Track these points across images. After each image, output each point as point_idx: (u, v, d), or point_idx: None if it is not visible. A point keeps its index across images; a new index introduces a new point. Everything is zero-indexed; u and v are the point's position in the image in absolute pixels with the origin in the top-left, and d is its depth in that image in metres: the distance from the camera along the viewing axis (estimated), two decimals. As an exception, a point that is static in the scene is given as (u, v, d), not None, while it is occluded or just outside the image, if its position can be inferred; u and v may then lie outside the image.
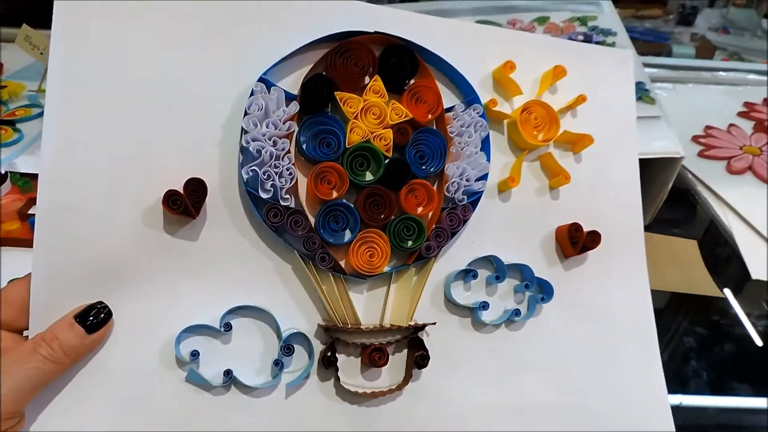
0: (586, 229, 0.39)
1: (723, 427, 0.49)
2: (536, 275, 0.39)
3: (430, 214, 0.37)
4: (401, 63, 0.37)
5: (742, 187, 0.65)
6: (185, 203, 0.33)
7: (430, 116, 0.38)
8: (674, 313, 0.56)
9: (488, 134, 0.38)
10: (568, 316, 0.39)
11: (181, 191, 0.33)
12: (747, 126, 0.76)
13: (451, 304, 0.38)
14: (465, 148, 0.37)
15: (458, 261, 0.38)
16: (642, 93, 0.62)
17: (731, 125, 0.76)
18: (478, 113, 0.38)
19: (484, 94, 0.39)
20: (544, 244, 0.40)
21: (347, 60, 0.37)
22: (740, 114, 0.78)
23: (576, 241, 0.39)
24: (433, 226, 0.37)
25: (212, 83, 0.35)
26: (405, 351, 0.37)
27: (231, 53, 0.35)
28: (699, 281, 0.54)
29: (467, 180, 0.37)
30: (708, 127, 0.75)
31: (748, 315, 0.55)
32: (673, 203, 0.71)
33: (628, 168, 0.42)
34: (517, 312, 0.38)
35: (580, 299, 0.40)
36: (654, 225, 0.64)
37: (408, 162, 0.37)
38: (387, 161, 0.37)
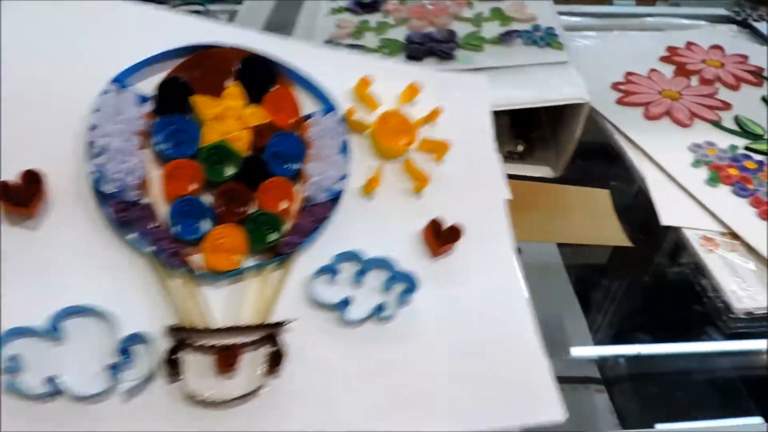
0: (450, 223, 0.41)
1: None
2: (402, 269, 0.38)
3: (289, 210, 0.38)
4: (260, 73, 0.41)
5: (659, 133, 0.63)
6: (19, 195, 0.32)
7: (289, 121, 0.41)
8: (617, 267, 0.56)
9: (346, 139, 0.42)
10: (438, 306, 0.38)
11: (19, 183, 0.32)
12: (668, 70, 0.74)
13: (314, 302, 0.36)
14: (324, 150, 0.41)
15: (322, 258, 0.38)
16: (550, 39, 0.59)
17: (652, 70, 0.73)
18: (335, 120, 0.42)
19: (346, 106, 0.44)
20: (411, 240, 0.41)
21: (206, 67, 0.40)
22: (662, 59, 0.76)
23: (438, 236, 0.40)
24: (292, 222, 0.38)
25: (68, 82, 0.36)
26: (261, 352, 0.34)
27: (89, 54, 0.38)
28: (608, 231, 0.52)
29: (327, 180, 0.40)
30: (629, 74, 0.72)
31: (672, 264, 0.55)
32: (591, 154, 0.69)
33: (489, 167, 0.47)
34: (382, 306, 0.36)
35: (449, 289, 0.39)
36: (571, 177, 0.62)
37: (266, 160, 0.39)
38: (244, 159, 0.38)
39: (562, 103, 0.52)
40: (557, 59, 0.57)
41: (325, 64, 0.46)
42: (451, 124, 0.48)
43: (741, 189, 0.55)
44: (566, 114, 0.56)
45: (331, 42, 0.63)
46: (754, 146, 0.60)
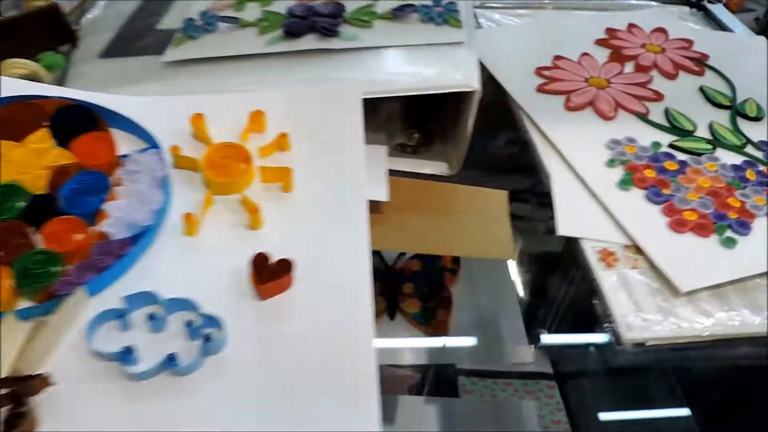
0: (287, 256, 0.36)
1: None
2: (209, 311, 0.33)
3: (78, 248, 0.36)
4: (75, 120, 0.42)
5: (577, 126, 0.56)
6: None
7: (99, 161, 0.40)
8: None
9: (166, 175, 0.40)
10: (260, 349, 0.33)
11: None
12: (603, 55, 0.66)
13: (95, 351, 0.31)
14: (136, 187, 0.39)
15: (114, 300, 0.33)
16: (450, 15, 0.51)
17: (584, 55, 0.65)
18: (155, 158, 0.41)
19: (176, 142, 0.42)
20: (236, 277, 0.36)
21: (16, 116, 0.42)
22: (598, 41, 0.68)
23: (262, 272, 0.35)
24: (78, 261, 0.35)
25: None
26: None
27: None
28: (493, 242, 0.45)
29: (133, 216, 0.38)
30: (557, 58, 0.65)
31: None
32: (502, 148, 0.62)
33: (353, 186, 0.42)
34: (174, 357, 0.31)
35: (277, 327, 0.34)
36: (474, 173, 0.54)
37: (58, 198, 0.38)
38: (32, 197, 0.38)
39: (445, 90, 0.45)
40: (452, 39, 0.49)
41: (160, 108, 0.45)
42: (311, 143, 0.44)
43: (655, 194, 0.48)
44: (461, 103, 0.48)
45: (206, 13, 0.55)
46: (678, 143, 0.53)
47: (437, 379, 0.85)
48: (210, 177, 0.40)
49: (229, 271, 0.36)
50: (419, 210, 0.48)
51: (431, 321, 0.55)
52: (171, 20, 0.57)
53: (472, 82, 0.45)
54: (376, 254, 0.56)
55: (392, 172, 0.50)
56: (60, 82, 0.52)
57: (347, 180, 0.42)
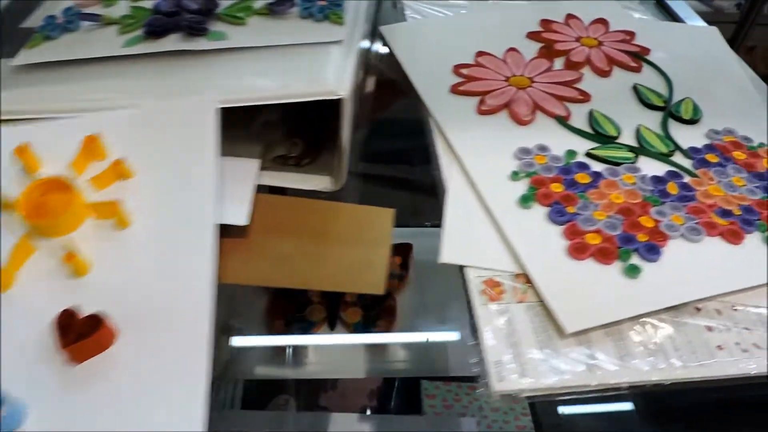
0: (114, 310, 0.32)
1: None
2: (17, 382, 0.30)
3: None
4: None
5: (488, 131, 0.50)
6: None
7: None
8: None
9: None
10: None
11: None
12: (532, 50, 0.60)
13: None
14: None
15: None
16: (332, 10, 0.45)
17: (510, 50, 0.59)
18: None
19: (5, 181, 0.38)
20: (46, 340, 0.32)
21: None
22: (530, 35, 0.62)
23: (67, 331, 0.31)
24: None
25: None
26: None
27: None
28: (367, 272, 0.40)
29: None
30: (480, 54, 0.59)
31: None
32: (405, 159, 0.56)
33: (202, 218, 0.36)
34: None
35: (89, 396, 0.30)
36: (369, 187, 0.49)
37: None
38: None
39: (308, 99, 0.39)
40: (328, 38, 0.43)
41: None
42: (157, 167, 0.39)
43: (557, 213, 0.42)
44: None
45: (69, 10, 0.49)
46: (596, 152, 0.47)
47: (401, 386, 0.81)
48: (27, 219, 0.35)
49: (40, 332, 0.32)
50: (290, 234, 0.42)
51: (372, 331, 0.51)
52: (37, 19, 0.52)
53: (340, 89, 0.39)
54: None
55: (271, 189, 0.45)
56: None
57: (194, 206, 0.37)
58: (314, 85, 0.40)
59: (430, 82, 0.55)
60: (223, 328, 0.50)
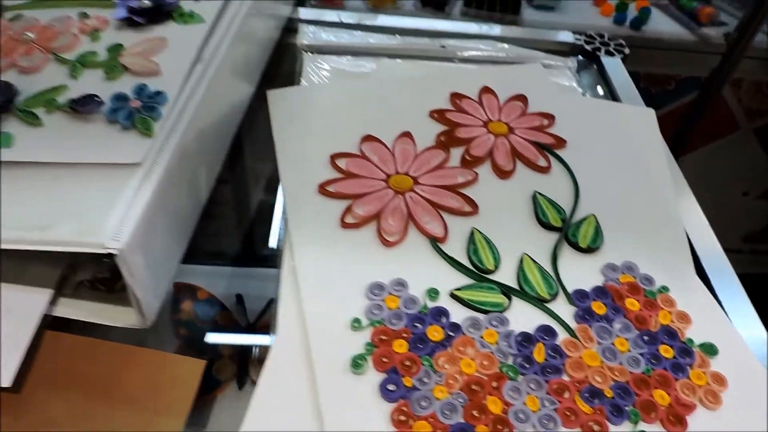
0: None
1: None
2: None
3: None
4: None
5: (345, 254, 0.42)
6: None
7: None
8: None
9: None
10: None
11: None
12: (431, 133, 0.52)
13: None
14: None
15: None
16: (145, 115, 0.37)
17: (403, 135, 0.52)
18: None
19: None
20: None
21: None
22: (433, 113, 0.54)
23: None
24: None
25: None
26: None
27: None
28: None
29: None
30: (366, 138, 0.51)
31: None
32: None
33: None
34: None
35: None
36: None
37: None
38: None
39: (72, 250, 0.32)
40: (122, 158, 0.35)
41: None
42: None
43: (390, 384, 0.35)
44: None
45: None
46: (462, 294, 0.40)
47: None
48: None
49: None
50: (74, 390, 0.35)
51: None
52: None
53: (113, 241, 0.31)
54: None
55: (66, 325, 0.38)
56: None
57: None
58: (78, 234, 0.32)
59: (298, 173, 0.47)
60: None
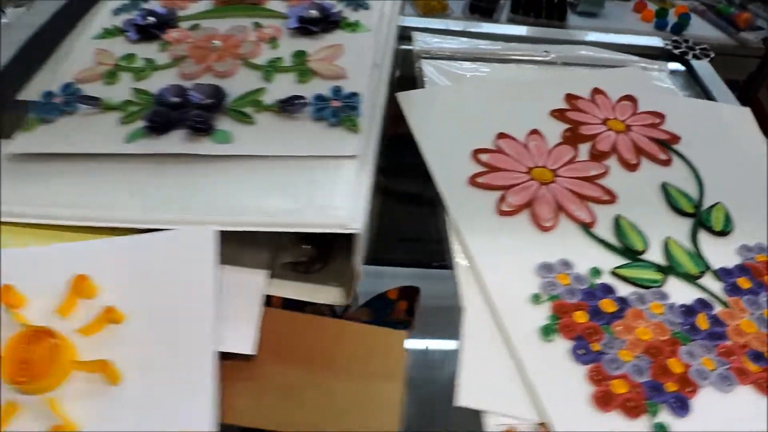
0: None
1: None
2: None
3: None
4: None
5: (507, 239, 0.47)
6: None
7: None
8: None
9: None
10: None
11: None
12: (556, 131, 0.57)
13: None
14: None
15: None
16: (347, 114, 0.42)
17: (533, 132, 0.56)
18: None
19: None
20: None
21: None
22: (554, 113, 0.59)
23: None
24: None
25: None
26: None
27: None
28: (377, 410, 0.37)
29: None
30: (501, 135, 0.56)
31: None
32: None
33: (196, 365, 0.34)
34: None
35: None
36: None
37: None
38: None
39: (318, 231, 0.36)
40: (341, 151, 0.40)
41: None
42: (151, 306, 0.36)
43: (580, 350, 0.39)
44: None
45: (68, 87, 0.46)
46: (622, 272, 0.44)
47: None
48: (10, 382, 0.32)
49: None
50: (297, 361, 0.39)
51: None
52: (34, 89, 0.48)
53: (353, 223, 0.36)
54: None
55: (275, 302, 0.42)
56: None
57: (192, 347, 0.35)
58: (325, 216, 0.37)
59: (447, 167, 0.52)
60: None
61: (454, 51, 0.66)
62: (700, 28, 1.34)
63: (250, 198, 0.38)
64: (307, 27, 0.49)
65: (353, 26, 0.49)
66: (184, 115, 0.42)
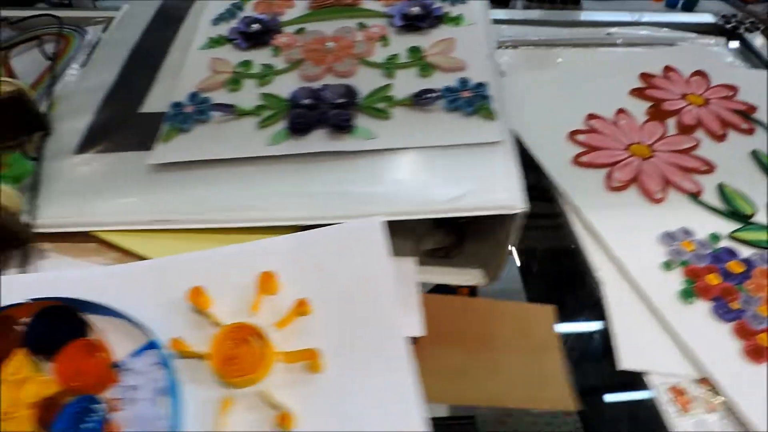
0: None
1: None
2: None
3: None
4: (55, 326, 0.35)
5: (623, 211, 0.49)
6: None
7: (89, 380, 0.34)
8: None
9: (173, 379, 0.33)
10: None
11: None
12: (640, 110, 0.59)
13: None
14: (135, 409, 0.33)
15: None
16: (480, 103, 0.44)
17: (620, 111, 0.59)
18: (154, 360, 0.34)
19: (178, 329, 0.36)
20: None
21: None
22: (634, 92, 0.61)
23: None
24: None
25: None
26: None
27: None
28: (547, 385, 0.40)
29: None
30: (590, 117, 0.58)
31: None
32: (541, 240, 0.55)
33: (389, 349, 0.35)
34: None
35: None
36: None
37: None
38: None
39: (484, 213, 0.38)
40: (486, 138, 0.42)
41: (146, 278, 0.38)
42: (335, 298, 0.37)
43: (721, 309, 0.42)
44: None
45: (196, 96, 0.47)
46: (740, 235, 0.47)
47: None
48: (224, 378, 0.34)
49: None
50: (456, 341, 0.42)
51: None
52: (155, 101, 0.50)
53: (517, 202, 0.38)
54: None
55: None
56: (32, 187, 0.44)
57: (382, 332, 0.36)
58: (489, 199, 0.39)
59: (548, 149, 0.54)
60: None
61: (528, 40, 0.69)
62: (709, 5, 1.37)
63: (409, 190, 0.40)
64: (414, 24, 0.50)
65: (456, 20, 0.51)
66: (324, 115, 0.44)
